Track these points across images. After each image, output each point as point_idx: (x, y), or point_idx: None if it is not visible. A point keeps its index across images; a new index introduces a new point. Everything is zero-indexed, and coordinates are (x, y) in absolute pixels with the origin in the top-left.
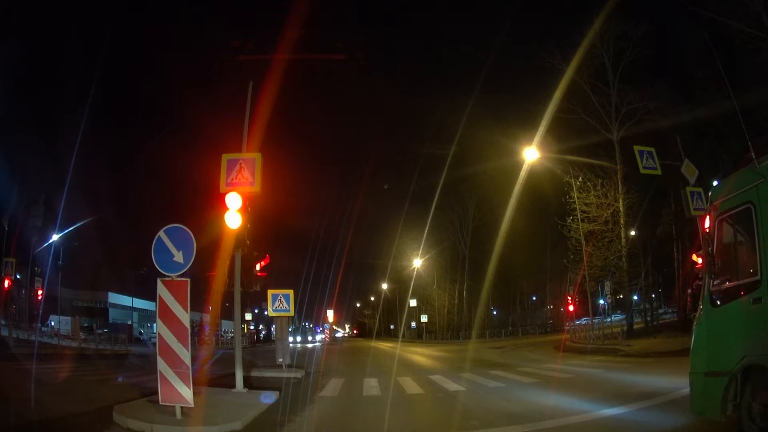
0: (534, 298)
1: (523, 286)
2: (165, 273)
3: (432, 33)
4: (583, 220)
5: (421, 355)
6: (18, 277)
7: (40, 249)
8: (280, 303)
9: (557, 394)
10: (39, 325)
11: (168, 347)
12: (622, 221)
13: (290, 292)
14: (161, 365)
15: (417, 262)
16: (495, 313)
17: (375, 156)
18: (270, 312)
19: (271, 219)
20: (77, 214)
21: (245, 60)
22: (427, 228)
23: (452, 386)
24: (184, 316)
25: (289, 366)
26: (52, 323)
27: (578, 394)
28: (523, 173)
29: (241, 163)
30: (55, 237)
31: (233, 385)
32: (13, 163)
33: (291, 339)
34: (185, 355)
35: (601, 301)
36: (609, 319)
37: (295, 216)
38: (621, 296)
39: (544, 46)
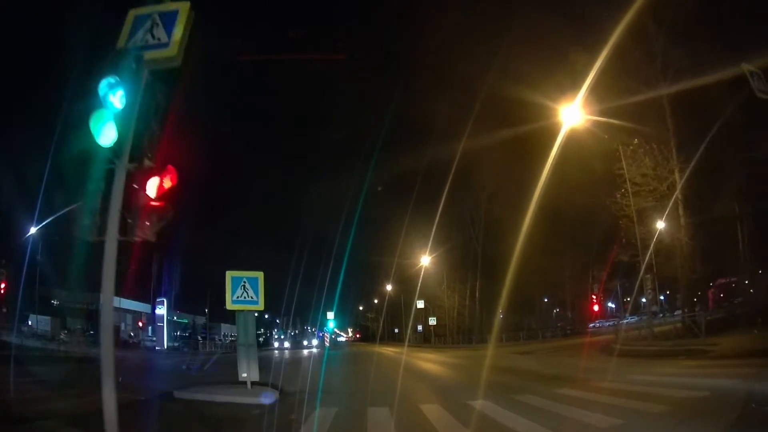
0: (545, 300)
1: (539, 286)
2: None
3: None
4: (634, 195)
5: (436, 363)
6: None
7: (22, 240)
8: (243, 291)
9: None
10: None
11: None
12: (680, 196)
13: (259, 276)
14: None
15: (425, 260)
16: (502, 315)
17: (381, 146)
18: (228, 304)
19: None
20: (60, 204)
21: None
22: (436, 222)
23: (527, 428)
24: None
25: (259, 384)
26: (30, 323)
27: None
28: (560, 137)
29: (154, 19)
30: (33, 230)
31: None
32: None
33: (278, 345)
34: None
35: (660, 297)
36: (632, 319)
37: (295, 217)
38: (669, 292)
39: None
